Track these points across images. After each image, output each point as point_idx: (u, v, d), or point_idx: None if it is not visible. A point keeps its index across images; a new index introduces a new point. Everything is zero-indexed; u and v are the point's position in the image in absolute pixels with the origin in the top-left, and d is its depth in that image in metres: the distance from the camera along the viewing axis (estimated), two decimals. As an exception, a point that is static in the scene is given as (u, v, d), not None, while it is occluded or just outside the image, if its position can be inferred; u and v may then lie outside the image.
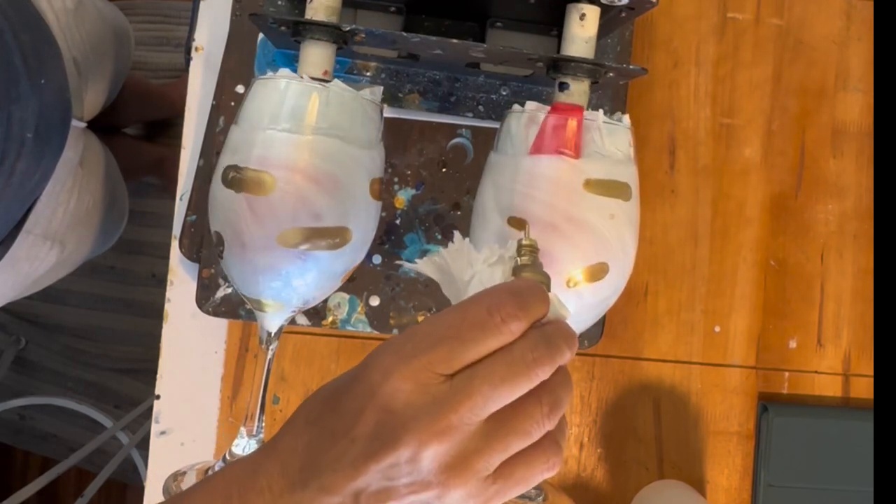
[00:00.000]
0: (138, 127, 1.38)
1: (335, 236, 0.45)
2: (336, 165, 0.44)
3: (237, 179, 0.44)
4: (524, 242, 0.37)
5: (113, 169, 0.85)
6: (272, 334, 0.48)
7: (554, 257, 0.45)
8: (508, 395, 0.32)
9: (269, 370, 0.48)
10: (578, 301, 0.46)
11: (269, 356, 0.48)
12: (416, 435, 0.31)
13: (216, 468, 0.48)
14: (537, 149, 0.46)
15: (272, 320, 0.48)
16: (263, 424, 0.48)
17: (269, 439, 0.36)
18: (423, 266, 0.38)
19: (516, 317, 0.33)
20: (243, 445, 0.48)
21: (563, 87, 0.48)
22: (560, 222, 0.45)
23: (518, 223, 0.45)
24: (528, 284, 0.34)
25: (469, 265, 0.37)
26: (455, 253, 0.38)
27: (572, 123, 0.46)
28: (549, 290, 0.36)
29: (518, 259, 0.37)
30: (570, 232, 0.45)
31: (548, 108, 0.46)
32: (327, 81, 0.45)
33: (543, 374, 0.33)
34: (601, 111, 0.46)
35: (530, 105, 0.47)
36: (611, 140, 0.46)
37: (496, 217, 0.47)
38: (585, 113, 0.46)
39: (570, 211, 0.45)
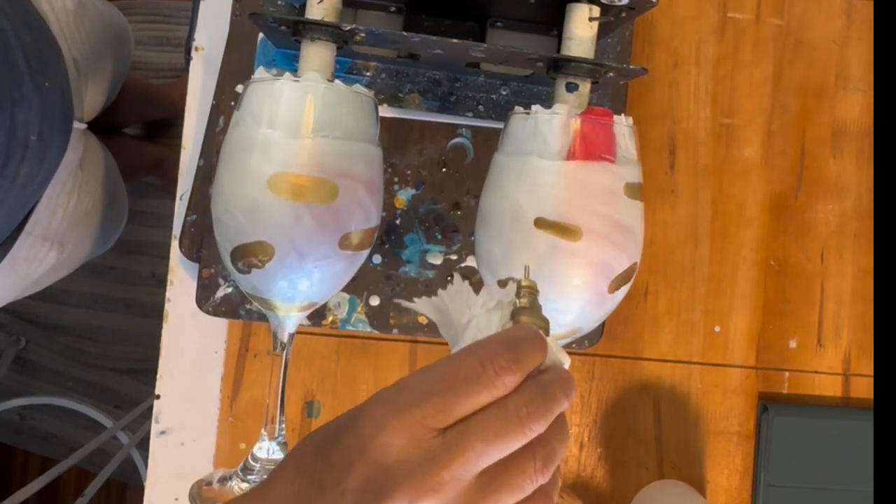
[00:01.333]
0: (138, 127, 1.38)
1: (374, 235, 0.47)
2: (375, 169, 0.46)
3: (298, 187, 0.43)
4: (523, 284, 0.36)
5: (112, 170, 0.85)
6: (291, 336, 0.48)
7: (609, 266, 0.45)
8: (502, 450, 0.32)
9: (285, 370, 0.48)
10: (612, 304, 0.47)
11: (285, 357, 0.48)
12: (407, 491, 0.31)
13: (239, 472, 0.48)
14: (581, 154, 0.45)
15: (292, 322, 0.48)
16: (284, 427, 0.49)
17: (260, 483, 0.36)
18: (422, 306, 0.38)
19: (510, 370, 0.32)
20: (266, 448, 0.48)
21: (570, 87, 0.48)
22: (611, 230, 0.45)
23: (548, 225, 0.45)
24: (524, 333, 0.33)
25: (467, 308, 0.36)
26: (454, 294, 0.37)
27: (610, 128, 0.46)
28: (547, 334, 0.35)
29: (517, 301, 0.36)
30: (619, 238, 0.45)
31: (571, 111, 0.46)
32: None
33: (538, 427, 0.32)
34: (623, 115, 0.46)
35: (560, 108, 0.46)
36: (632, 143, 0.47)
37: (515, 221, 0.46)
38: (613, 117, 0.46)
39: (617, 217, 0.45)
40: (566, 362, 0.35)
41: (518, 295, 0.36)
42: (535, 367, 0.33)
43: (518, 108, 0.48)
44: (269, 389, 0.48)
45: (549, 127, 0.46)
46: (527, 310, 0.36)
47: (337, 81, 0.45)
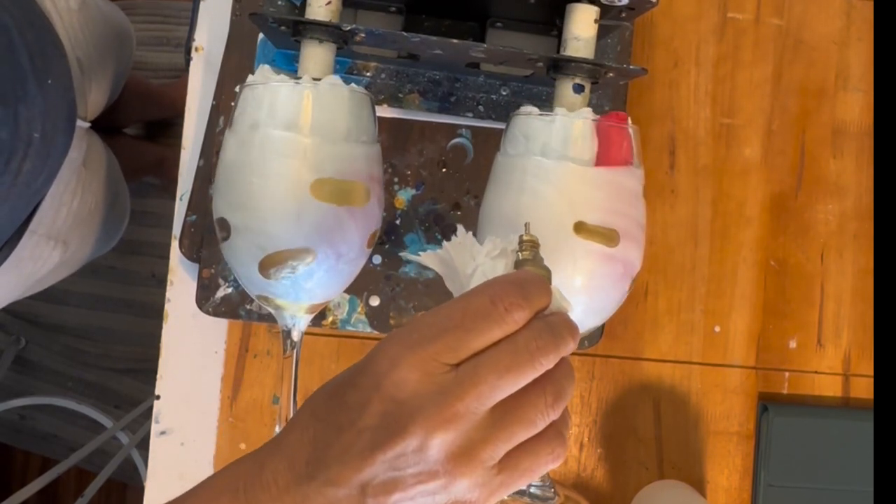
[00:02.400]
0: (138, 127, 1.38)
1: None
2: (381, 169, 0.49)
3: (341, 192, 0.44)
4: (525, 238, 0.37)
5: (115, 169, 0.85)
6: (301, 335, 0.49)
7: (635, 266, 0.47)
8: (513, 383, 0.32)
9: (297, 367, 0.49)
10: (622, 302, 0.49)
11: (296, 356, 0.48)
12: (422, 424, 0.32)
13: None
14: (611, 159, 0.46)
15: (305, 322, 0.49)
16: None
17: (275, 436, 0.36)
18: (427, 259, 0.39)
19: (519, 306, 0.33)
20: None
21: (577, 89, 0.48)
22: (638, 232, 0.47)
23: (590, 231, 0.46)
24: (530, 275, 0.35)
25: (472, 258, 0.37)
26: (458, 246, 0.38)
27: (629, 131, 0.47)
28: (550, 283, 0.36)
29: (519, 254, 0.37)
30: (642, 239, 0.48)
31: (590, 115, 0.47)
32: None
33: (548, 362, 0.33)
34: (628, 119, 0.47)
35: (586, 112, 0.46)
36: (637, 145, 0.48)
37: (553, 227, 0.46)
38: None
39: (640, 219, 0.48)
40: (569, 310, 0.36)
41: (520, 248, 0.37)
42: (542, 308, 0.34)
43: (531, 109, 0.47)
44: (280, 388, 0.48)
45: (580, 131, 0.46)
46: (530, 261, 0.37)
47: (342, 83, 0.46)
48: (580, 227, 0.45)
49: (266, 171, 0.44)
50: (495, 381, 0.32)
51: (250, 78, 0.46)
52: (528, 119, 0.47)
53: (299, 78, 0.45)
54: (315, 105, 0.44)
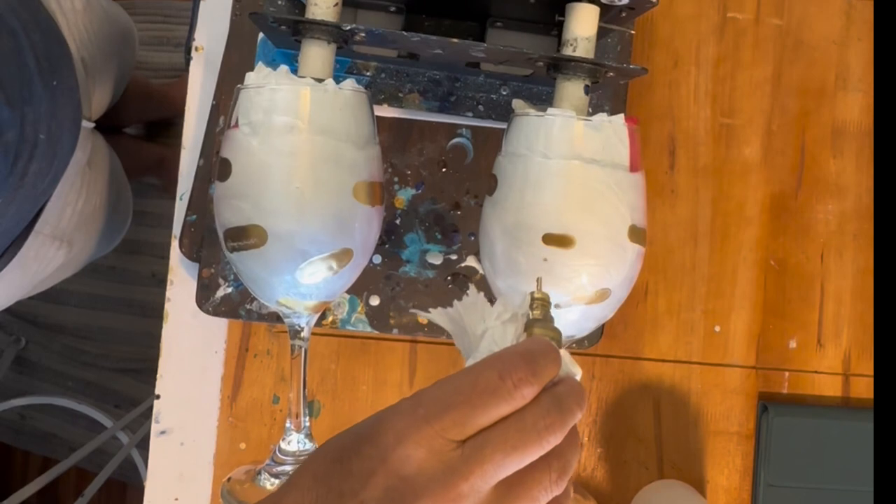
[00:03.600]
0: (139, 127, 1.38)
1: None
2: None
3: (374, 194, 0.46)
4: (536, 296, 0.38)
5: (118, 169, 0.85)
6: (310, 333, 0.50)
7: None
8: (519, 462, 0.32)
9: (305, 363, 0.49)
10: None
11: (304, 353, 0.49)
12: (427, 502, 0.31)
13: (267, 467, 0.48)
14: (639, 164, 0.47)
15: (314, 320, 0.49)
16: (308, 421, 0.50)
17: (274, 491, 0.36)
18: (437, 317, 0.39)
19: (528, 382, 0.33)
20: (295, 440, 0.48)
21: (588, 90, 0.48)
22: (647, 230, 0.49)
23: (637, 234, 0.47)
24: (539, 346, 0.34)
25: (482, 320, 0.37)
26: (469, 306, 0.38)
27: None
28: (559, 345, 0.36)
29: (530, 313, 0.37)
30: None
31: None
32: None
33: (555, 440, 0.33)
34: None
35: (620, 118, 0.46)
36: None
37: (612, 232, 0.46)
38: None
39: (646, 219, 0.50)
40: (578, 373, 0.36)
41: (531, 307, 0.37)
42: (551, 378, 0.34)
43: (556, 110, 0.46)
44: (280, 388, 0.48)
45: (621, 137, 0.46)
46: (540, 321, 0.37)
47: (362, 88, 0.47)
48: (633, 232, 0.47)
49: (310, 177, 0.44)
50: (501, 460, 0.32)
51: (268, 79, 0.45)
52: (558, 121, 0.46)
53: (321, 79, 0.45)
54: (348, 109, 0.45)
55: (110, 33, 0.79)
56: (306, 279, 0.45)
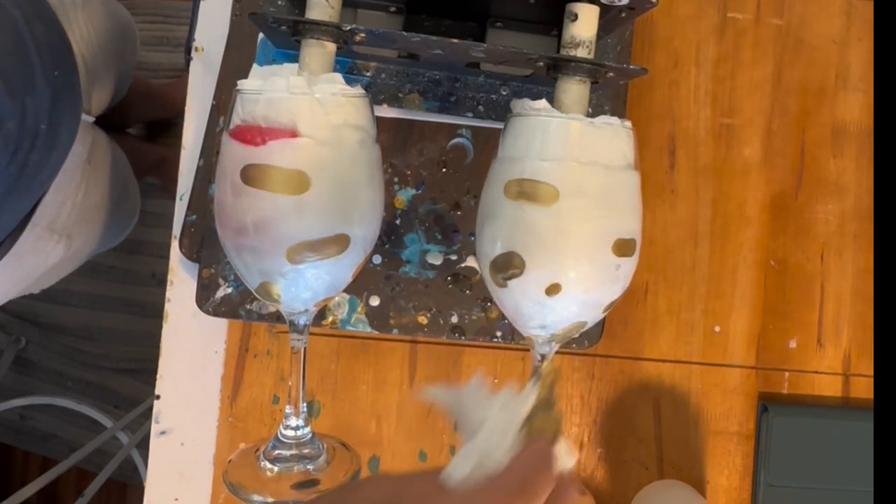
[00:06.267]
0: (139, 127, 1.39)
1: None
2: None
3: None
4: (544, 371, 0.39)
5: (123, 166, 0.85)
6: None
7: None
8: None
9: (305, 356, 0.49)
10: None
11: (303, 347, 0.49)
12: None
13: (266, 450, 0.49)
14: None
15: (311, 315, 0.49)
16: (306, 406, 0.50)
17: None
18: (440, 398, 0.39)
19: None
20: (294, 424, 0.49)
21: (588, 90, 0.48)
22: None
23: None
24: (535, 467, 0.35)
25: (483, 408, 0.38)
26: (473, 392, 0.38)
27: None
28: (559, 434, 0.37)
29: (535, 392, 0.38)
30: None
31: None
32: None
33: None
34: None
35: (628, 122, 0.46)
36: None
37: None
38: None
39: None
40: (571, 462, 0.37)
41: (542, 382, 0.38)
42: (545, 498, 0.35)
43: (570, 114, 0.46)
44: (280, 387, 0.48)
45: (628, 140, 0.46)
46: (542, 408, 0.38)
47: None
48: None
49: (375, 184, 0.46)
50: None
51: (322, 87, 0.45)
52: (574, 124, 0.45)
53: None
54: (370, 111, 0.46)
55: (110, 28, 0.79)
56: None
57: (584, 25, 0.48)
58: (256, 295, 0.47)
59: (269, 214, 0.43)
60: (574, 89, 0.47)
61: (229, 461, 0.50)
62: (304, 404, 0.49)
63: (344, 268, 0.46)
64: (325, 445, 0.49)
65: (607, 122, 0.45)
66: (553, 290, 0.44)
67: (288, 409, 0.49)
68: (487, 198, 0.47)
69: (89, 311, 1.40)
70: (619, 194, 0.45)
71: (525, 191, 0.44)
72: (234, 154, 0.44)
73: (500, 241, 0.45)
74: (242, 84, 0.44)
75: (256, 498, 0.45)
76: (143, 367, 1.39)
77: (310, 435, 0.49)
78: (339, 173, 0.44)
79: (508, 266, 0.45)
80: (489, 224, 0.46)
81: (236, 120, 0.44)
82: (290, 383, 0.49)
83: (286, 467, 0.47)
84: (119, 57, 0.83)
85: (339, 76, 0.45)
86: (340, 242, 0.44)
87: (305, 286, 0.45)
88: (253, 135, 0.43)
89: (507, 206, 0.45)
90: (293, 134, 0.43)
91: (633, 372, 0.63)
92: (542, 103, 0.46)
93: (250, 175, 0.43)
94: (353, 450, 0.51)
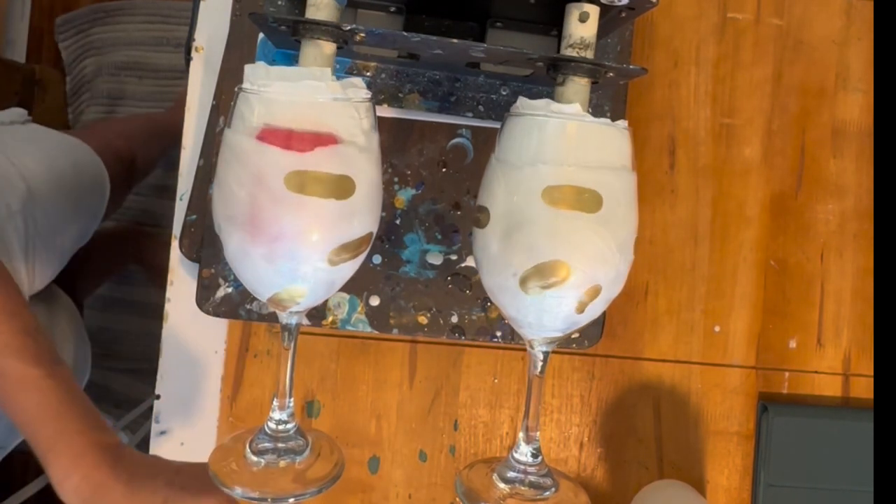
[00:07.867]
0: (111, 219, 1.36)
1: None
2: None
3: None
4: None
5: (78, 330, 0.83)
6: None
7: None
8: None
9: (294, 353, 0.49)
10: None
11: (293, 345, 0.48)
12: None
13: (252, 443, 0.48)
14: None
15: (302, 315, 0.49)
16: (293, 401, 0.50)
17: None
18: None
19: None
20: (278, 418, 0.49)
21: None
22: None
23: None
24: None
25: None
26: None
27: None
28: None
29: None
30: None
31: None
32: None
33: None
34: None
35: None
36: None
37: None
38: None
39: None
40: None
41: None
42: None
43: (582, 115, 0.45)
44: (278, 369, 0.48)
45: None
46: None
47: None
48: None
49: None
50: None
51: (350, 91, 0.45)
52: (582, 126, 0.45)
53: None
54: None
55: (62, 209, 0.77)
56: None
57: (584, 25, 0.48)
58: (268, 303, 0.47)
59: (320, 220, 0.43)
60: (574, 89, 0.47)
61: (218, 447, 0.49)
62: (291, 399, 0.49)
63: (358, 264, 0.46)
64: (310, 440, 0.49)
65: (607, 122, 0.46)
66: (592, 293, 0.44)
67: (275, 403, 0.49)
68: (512, 205, 0.45)
69: (89, 310, 1.40)
70: (628, 196, 0.46)
71: (567, 197, 0.44)
72: (272, 160, 0.42)
73: (540, 249, 0.44)
74: (263, 85, 0.43)
75: (238, 491, 0.45)
76: (143, 367, 1.39)
77: (294, 429, 0.49)
78: (373, 176, 0.45)
79: (551, 274, 0.44)
80: (520, 232, 0.45)
81: (254, 122, 0.42)
82: (279, 382, 0.49)
83: (271, 461, 0.47)
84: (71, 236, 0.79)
85: (359, 80, 0.45)
86: (367, 241, 0.45)
87: (331, 286, 0.46)
88: (298, 141, 0.42)
89: (546, 214, 0.44)
90: (336, 140, 0.43)
91: (633, 372, 0.63)
92: (575, 107, 0.45)
93: (298, 182, 0.42)
94: (336, 444, 0.51)
